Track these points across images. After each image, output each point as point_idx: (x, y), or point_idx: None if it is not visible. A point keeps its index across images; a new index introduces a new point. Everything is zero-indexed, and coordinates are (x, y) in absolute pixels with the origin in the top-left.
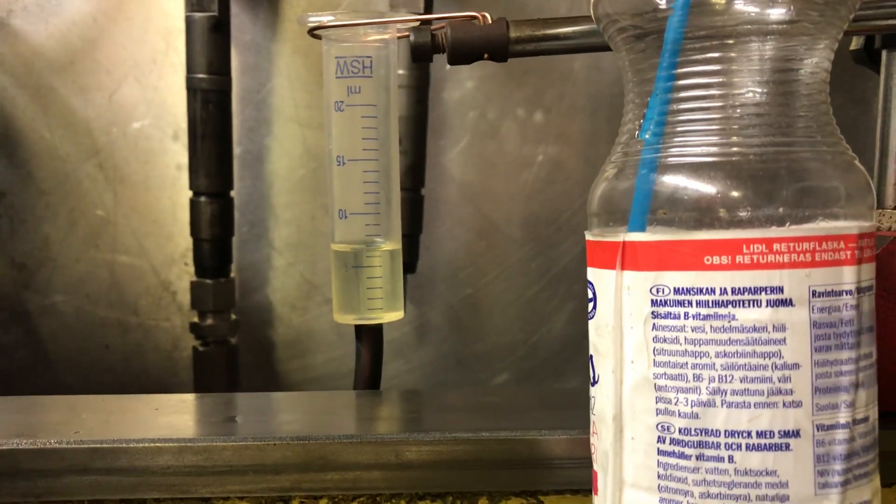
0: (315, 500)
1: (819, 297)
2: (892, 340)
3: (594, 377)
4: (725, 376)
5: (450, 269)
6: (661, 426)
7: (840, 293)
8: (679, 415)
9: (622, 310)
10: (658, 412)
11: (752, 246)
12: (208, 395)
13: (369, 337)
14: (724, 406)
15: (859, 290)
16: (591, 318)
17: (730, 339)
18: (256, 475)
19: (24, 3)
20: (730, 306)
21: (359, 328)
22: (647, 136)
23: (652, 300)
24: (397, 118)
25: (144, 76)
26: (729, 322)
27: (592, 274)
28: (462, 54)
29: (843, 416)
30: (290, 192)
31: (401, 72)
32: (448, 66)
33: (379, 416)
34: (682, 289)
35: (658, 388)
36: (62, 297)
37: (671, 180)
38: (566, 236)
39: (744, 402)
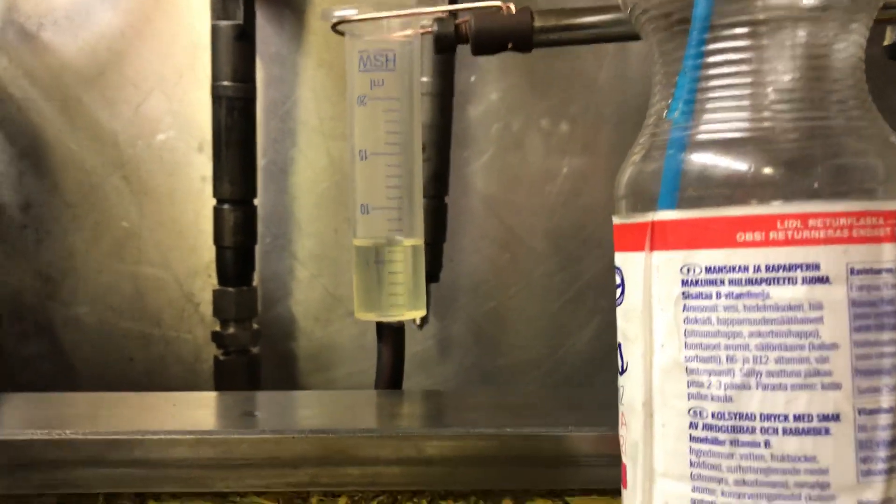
0: (334, 498)
1: (857, 274)
2: None
3: (623, 366)
4: (760, 357)
5: (473, 281)
6: (694, 411)
7: (879, 271)
8: (712, 398)
9: (651, 292)
10: (690, 396)
11: (786, 222)
12: (227, 392)
13: (391, 335)
14: (759, 388)
15: None
16: (619, 304)
17: (764, 318)
18: (274, 469)
19: (54, 16)
20: (763, 284)
21: (380, 327)
22: (675, 116)
23: (682, 280)
24: (420, 113)
25: (170, 89)
26: (763, 301)
27: (620, 259)
28: (486, 44)
29: (887, 400)
30: (313, 204)
31: (425, 79)
32: (472, 78)
33: (400, 413)
34: (714, 267)
35: (690, 372)
36: (86, 308)
37: (701, 157)
38: (591, 250)
39: (780, 385)
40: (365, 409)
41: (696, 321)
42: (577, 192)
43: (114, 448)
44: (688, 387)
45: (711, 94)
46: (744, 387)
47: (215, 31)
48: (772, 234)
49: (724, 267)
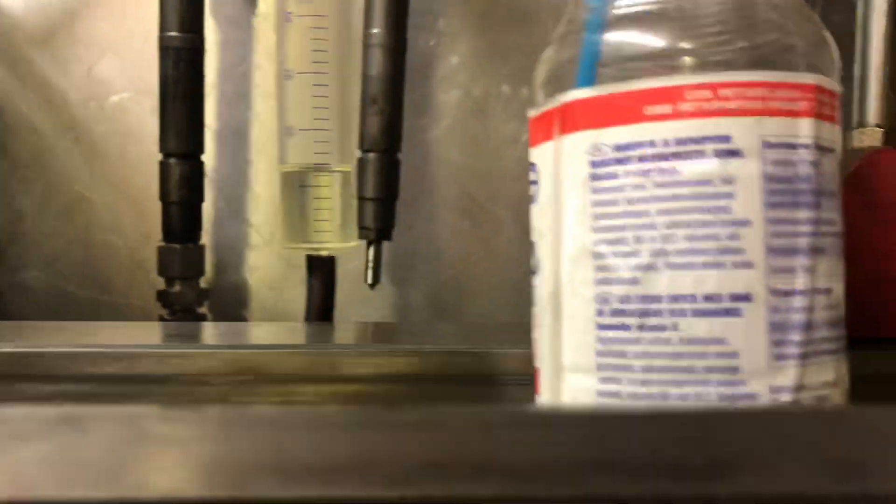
0: None
1: (771, 148)
2: (871, 257)
3: (536, 265)
4: (669, 236)
5: (432, 248)
6: (600, 298)
7: (795, 146)
8: (619, 282)
9: (561, 178)
10: (597, 282)
11: (695, 92)
12: (157, 322)
13: (320, 268)
14: (667, 269)
15: (819, 148)
16: (535, 202)
17: (673, 195)
18: (181, 387)
19: None
20: (672, 160)
21: (309, 259)
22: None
23: (591, 161)
24: (356, 34)
25: (124, 50)
26: (672, 177)
27: (535, 154)
28: None
29: (801, 282)
30: (268, 168)
31: (375, 30)
32: (432, 42)
33: (329, 339)
34: (622, 145)
35: (597, 256)
36: (34, 273)
37: (615, 34)
38: None
39: (689, 264)
40: (296, 335)
41: (603, 203)
42: None
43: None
44: (595, 272)
45: None
46: (651, 268)
47: None
48: (681, 106)
49: (632, 143)
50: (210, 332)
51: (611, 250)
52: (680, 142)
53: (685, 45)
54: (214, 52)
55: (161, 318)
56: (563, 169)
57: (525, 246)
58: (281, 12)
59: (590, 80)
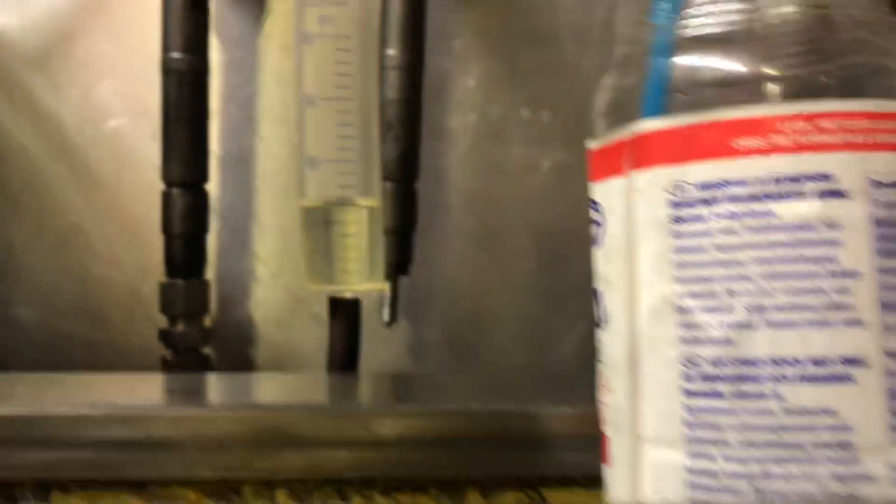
0: (271, 490)
1: (881, 188)
2: None
3: (602, 317)
4: (766, 289)
5: (448, 282)
6: (687, 359)
7: None
8: (709, 342)
9: (635, 221)
10: (682, 342)
11: (789, 123)
12: (163, 374)
13: (344, 312)
14: (767, 327)
15: None
16: (599, 246)
17: (770, 241)
18: (199, 454)
19: None
20: (767, 201)
21: (332, 301)
22: (658, 17)
23: (671, 202)
24: (376, 58)
25: (122, 72)
26: (767, 221)
27: (598, 190)
28: None
29: None
30: (276, 197)
31: (391, 52)
32: (446, 65)
33: (352, 394)
34: (708, 183)
35: (682, 311)
36: (26, 309)
37: (690, 57)
38: (577, 247)
39: (791, 322)
40: (312, 390)
41: (688, 250)
42: (560, 185)
43: (9, 426)
44: (680, 330)
45: None
46: (748, 326)
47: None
48: (774, 139)
49: (720, 182)
50: (224, 385)
51: (698, 305)
52: (775, 180)
53: (772, 69)
54: (218, 75)
55: (163, 360)
56: (636, 209)
57: (545, 277)
58: (298, 33)
59: (659, 109)
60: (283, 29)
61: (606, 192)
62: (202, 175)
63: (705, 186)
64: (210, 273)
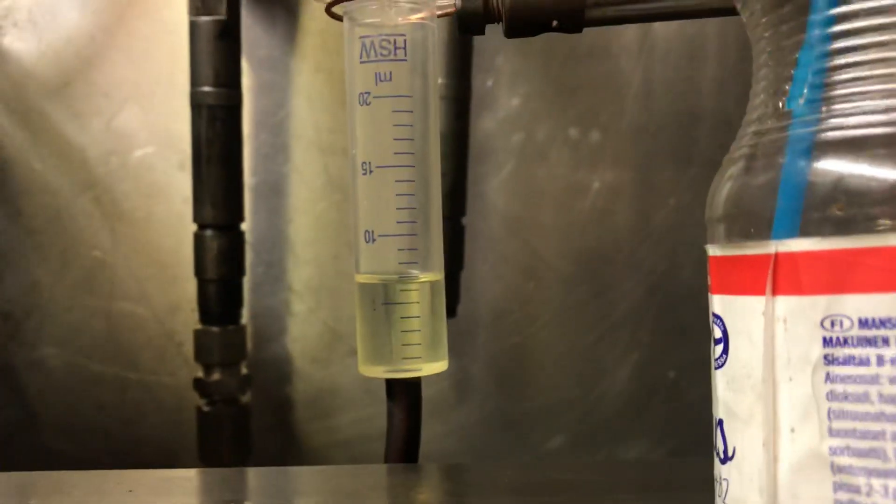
0: None
1: None
2: None
3: (725, 451)
4: None
5: (493, 313)
6: None
7: None
8: None
9: (776, 353)
10: None
11: None
12: (205, 471)
13: (404, 394)
14: None
15: None
16: (720, 367)
17: None
18: None
19: (14, 18)
20: None
21: (391, 384)
22: (797, 104)
23: (825, 338)
24: (437, 115)
25: (147, 100)
26: None
27: (721, 304)
28: (523, 22)
29: None
30: (310, 227)
31: (438, 81)
32: (489, 83)
33: (416, 502)
34: (874, 320)
35: (838, 470)
36: (52, 350)
37: (840, 160)
38: (628, 275)
39: None
40: (376, 494)
41: (846, 397)
42: (610, 209)
43: None
44: (835, 492)
45: (850, 71)
46: None
47: (194, 28)
48: None
49: (889, 319)
50: (273, 483)
51: (859, 465)
52: None
53: None
54: (248, 99)
55: (199, 410)
56: (779, 341)
57: (596, 308)
58: (354, 95)
59: (796, 227)
60: (316, 47)
61: (734, 310)
62: (237, 215)
63: (870, 323)
64: (243, 309)
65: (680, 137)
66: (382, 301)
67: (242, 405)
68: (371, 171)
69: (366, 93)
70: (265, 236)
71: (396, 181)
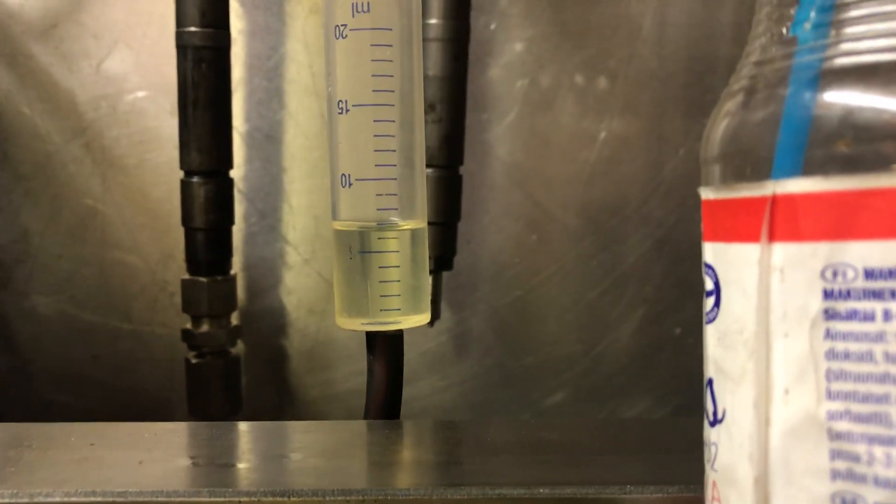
0: None
1: None
2: None
3: (714, 412)
4: None
5: (494, 266)
6: (843, 499)
7: None
8: (875, 482)
9: (770, 306)
10: (835, 476)
11: None
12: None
13: (385, 348)
14: None
15: None
16: (711, 321)
17: None
18: None
19: None
20: None
21: (371, 337)
22: (803, 30)
23: (825, 290)
24: (420, 50)
25: (138, 41)
26: None
27: (713, 253)
28: None
29: None
30: (306, 176)
31: (433, 21)
32: (493, 26)
33: (397, 460)
34: (881, 271)
35: (835, 436)
36: (43, 298)
37: (850, 92)
38: (635, 227)
39: None
40: (354, 451)
41: (847, 356)
42: (617, 159)
43: None
44: (832, 459)
45: None
46: None
47: None
48: None
49: (895, 269)
50: (240, 438)
51: (860, 431)
52: None
53: None
54: (241, 43)
55: (187, 362)
56: (774, 293)
57: (601, 261)
58: (330, 28)
59: (799, 166)
60: (322, 20)
61: (726, 258)
62: (225, 162)
63: (876, 274)
64: (236, 259)
65: (692, 85)
66: (359, 250)
67: (232, 357)
68: (348, 110)
69: (342, 25)
70: (259, 185)
71: (375, 121)
